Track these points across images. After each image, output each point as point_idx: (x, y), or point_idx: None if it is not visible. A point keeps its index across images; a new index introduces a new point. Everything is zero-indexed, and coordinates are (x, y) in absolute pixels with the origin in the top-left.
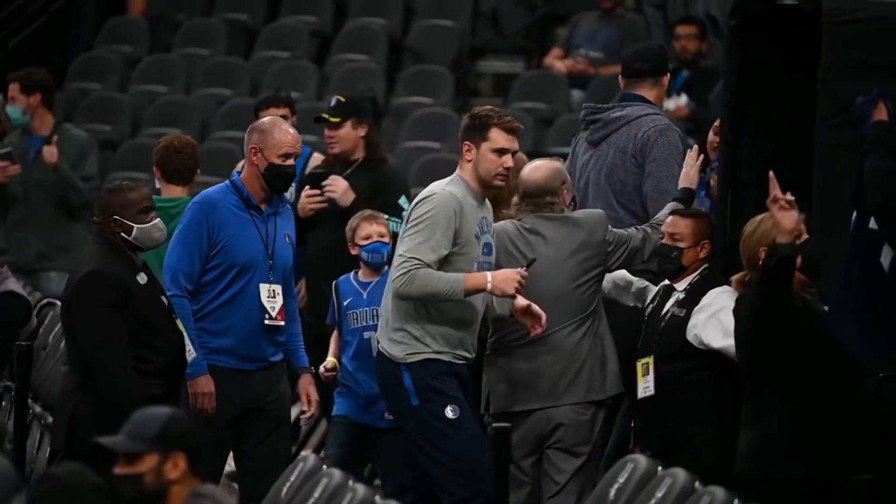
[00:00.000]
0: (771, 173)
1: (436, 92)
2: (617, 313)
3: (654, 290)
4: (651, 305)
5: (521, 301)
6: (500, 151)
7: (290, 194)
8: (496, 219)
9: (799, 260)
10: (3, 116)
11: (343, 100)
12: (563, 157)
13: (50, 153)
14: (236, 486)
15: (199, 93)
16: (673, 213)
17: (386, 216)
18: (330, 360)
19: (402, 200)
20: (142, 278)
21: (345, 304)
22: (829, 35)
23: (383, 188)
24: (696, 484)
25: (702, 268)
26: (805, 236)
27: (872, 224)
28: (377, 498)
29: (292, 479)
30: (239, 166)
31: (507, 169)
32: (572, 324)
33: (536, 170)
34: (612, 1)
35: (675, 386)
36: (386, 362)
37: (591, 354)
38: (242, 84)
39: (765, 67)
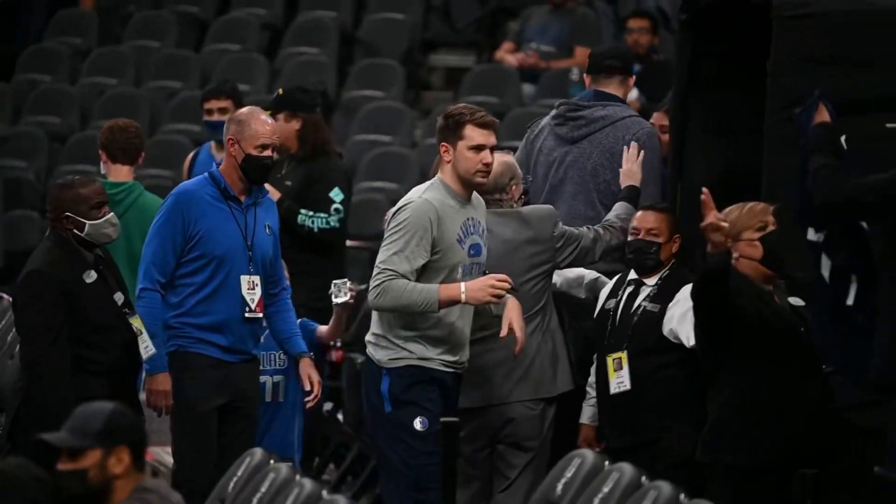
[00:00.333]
0: (705, 193)
1: (387, 85)
2: (571, 308)
3: (608, 281)
4: (615, 300)
5: (511, 316)
6: (478, 148)
7: None
8: None
9: (761, 252)
10: None
11: (281, 92)
12: (514, 149)
13: None
14: None
15: (149, 85)
16: (645, 207)
17: (311, 212)
18: None
19: (334, 193)
20: (89, 276)
21: None
22: (779, 29)
23: (315, 182)
24: (643, 479)
25: (671, 262)
26: (771, 228)
27: (811, 235)
28: (324, 492)
29: (239, 473)
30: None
31: (487, 165)
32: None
33: None
34: None
35: (651, 381)
36: (371, 365)
37: (540, 351)
38: (193, 76)
39: (715, 60)
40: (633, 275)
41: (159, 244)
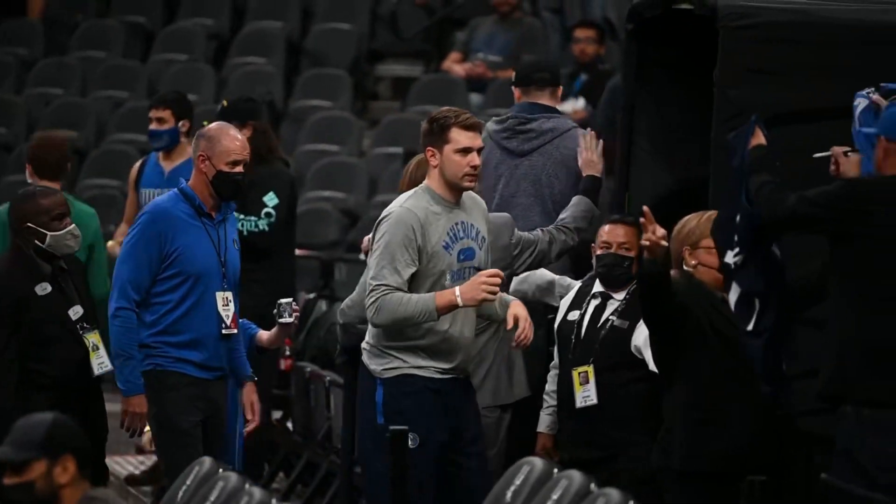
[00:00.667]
0: (645, 211)
1: (334, 95)
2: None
3: (576, 285)
4: (580, 312)
5: (515, 310)
6: (465, 151)
7: None
8: None
9: (718, 259)
10: None
11: (225, 104)
12: None
13: None
14: (132, 489)
15: (95, 95)
16: (612, 221)
17: (242, 215)
18: None
19: (268, 198)
20: (42, 288)
21: None
22: (725, 39)
23: (252, 187)
24: (592, 486)
25: None
26: None
27: (728, 258)
28: (273, 501)
29: (188, 482)
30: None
31: (475, 167)
32: (478, 327)
33: None
34: (510, 5)
35: (617, 396)
36: (366, 374)
37: (496, 359)
38: (139, 86)
39: (661, 70)
40: (598, 287)
41: (135, 263)
